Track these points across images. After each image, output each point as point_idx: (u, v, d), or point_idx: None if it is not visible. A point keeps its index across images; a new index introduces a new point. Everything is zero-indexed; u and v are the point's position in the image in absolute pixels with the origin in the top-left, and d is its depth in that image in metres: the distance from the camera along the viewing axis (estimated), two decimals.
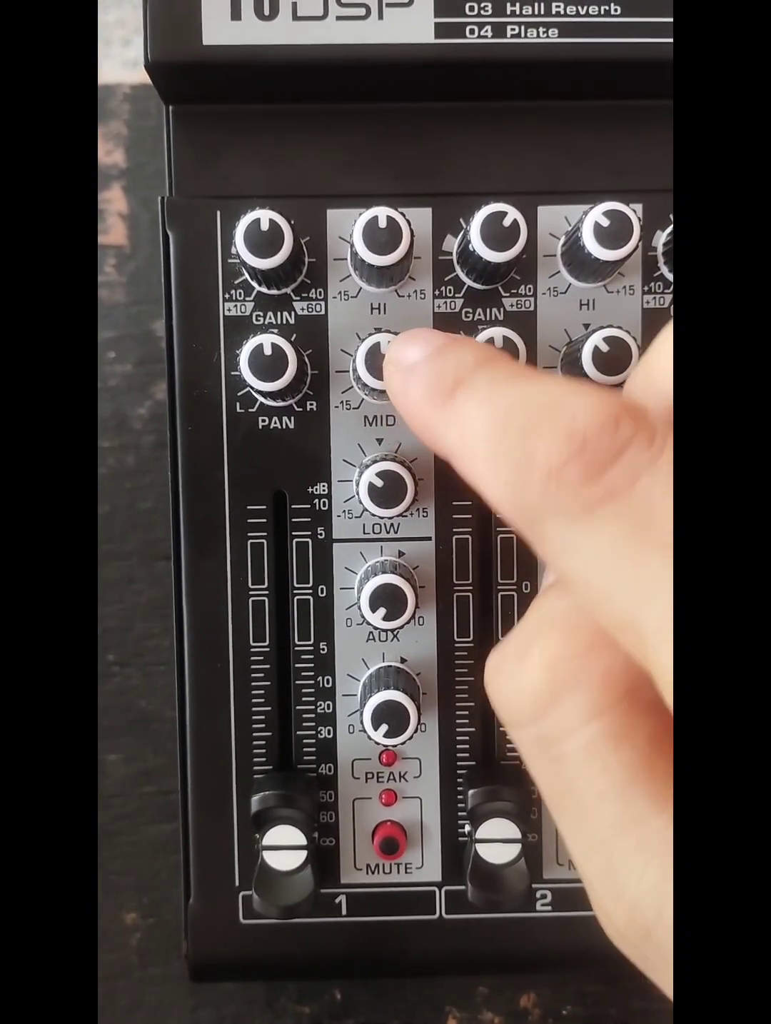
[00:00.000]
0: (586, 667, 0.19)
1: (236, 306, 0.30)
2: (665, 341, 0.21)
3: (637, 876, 0.18)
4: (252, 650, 0.31)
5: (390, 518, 0.30)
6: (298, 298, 0.30)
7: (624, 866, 0.18)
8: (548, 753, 0.20)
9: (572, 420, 0.19)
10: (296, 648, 0.31)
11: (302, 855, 0.30)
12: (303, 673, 0.31)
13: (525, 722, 0.20)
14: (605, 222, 0.27)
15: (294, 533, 0.31)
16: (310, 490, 0.30)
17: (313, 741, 0.31)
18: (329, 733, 0.31)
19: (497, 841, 0.30)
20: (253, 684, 0.31)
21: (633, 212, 0.28)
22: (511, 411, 0.20)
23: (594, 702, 0.19)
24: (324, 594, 0.31)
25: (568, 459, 0.19)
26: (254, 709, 0.31)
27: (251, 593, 0.31)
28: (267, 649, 0.31)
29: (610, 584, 0.18)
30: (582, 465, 0.18)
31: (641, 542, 0.18)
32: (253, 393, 0.30)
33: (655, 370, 0.21)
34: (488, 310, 0.30)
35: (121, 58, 0.41)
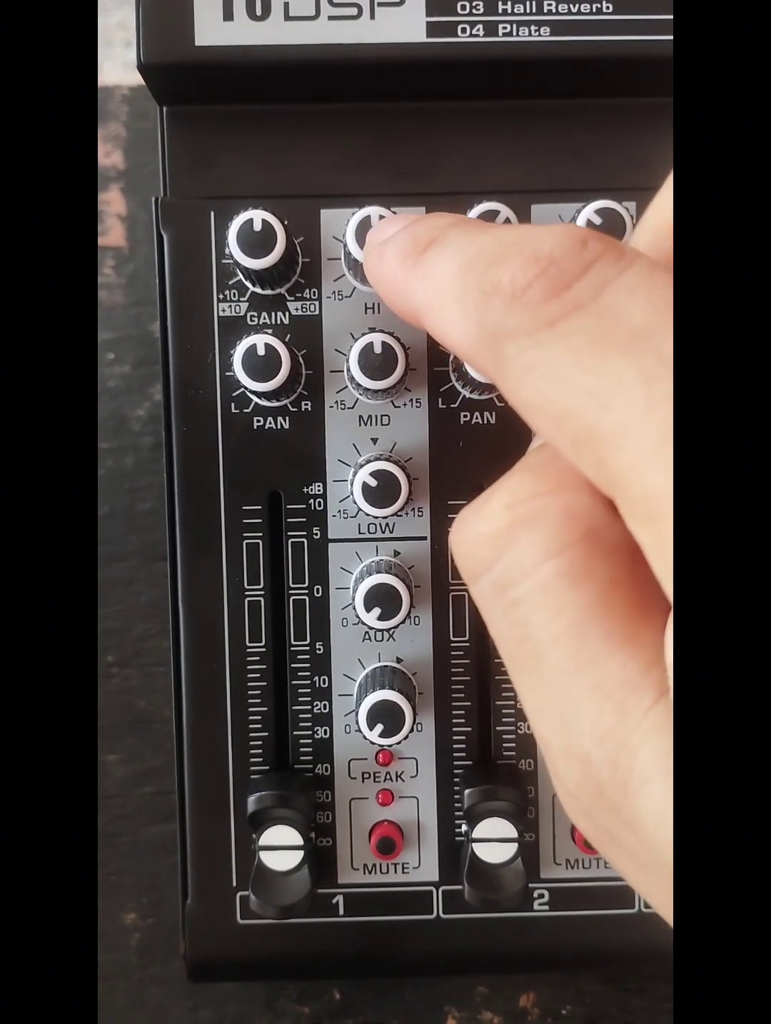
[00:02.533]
0: (546, 505, 0.19)
1: (230, 306, 0.30)
2: (665, 195, 0.21)
3: (591, 722, 0.17)
4: (248, 650, 0.31)
5: (385, 518, 0.30)
6: (292, 298, 0.30)
7: (577, 713, 0.18)
8: (504, 597, 0.19)
9: (538, 246, 0.19)
10: (292, 648, 0.31)
11: (299, 855, 0.30)
12: (299, 673, 0.31)
13: (482, 569, 0.19)
14: (598, 220, 0.27)
15: (289, 533, 0.31)
16: (305, 490, 0.30)
17: (309, 741, 0.31)
18: (325, 733, 0.31)
19: (494, 840, 0.30)
20: (249, 684, 0.31)
21: (626, 210, 0.28)
22: (480, 251, 0.20)
23: (552, 541, 0.18)
24: (320, 594, 0.31)
25: (532, 280, 0.18)
26: (250, 709, 0.31)
27: (247, 593, 0.31)
28: (263, 649, 0.31)
29: (569, 396, 0.17)
30: (546, 283, 0.18)
31: (602, 348, 0.17)
32: (248, 393, 0.30)
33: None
34: None
35: (122, 60, 0.41)
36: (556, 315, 0.18)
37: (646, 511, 0.16)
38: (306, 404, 0.30)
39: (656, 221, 0.21)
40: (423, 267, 0.21)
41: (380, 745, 0.30)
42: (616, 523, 0.18)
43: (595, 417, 0.17)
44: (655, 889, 0.18)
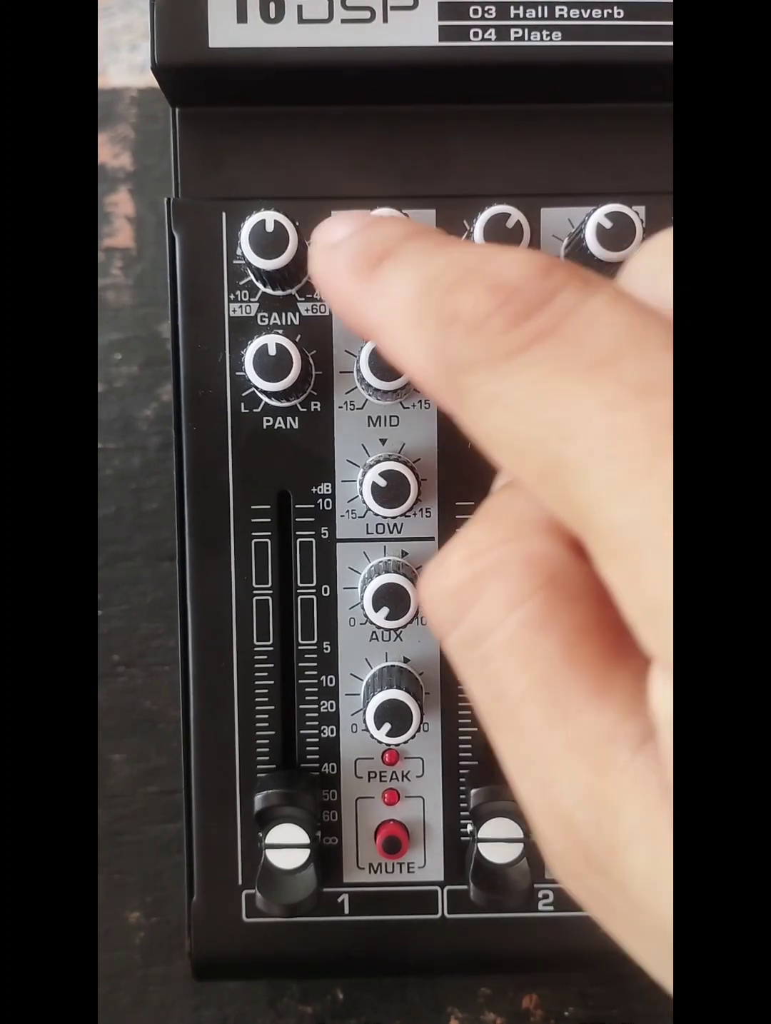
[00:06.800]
0: (506, 555, 0.18)
1: (241, 307, 0.30)
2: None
3: (569, 779, 0.17)
4: (256, 649, 0.31)
5: (393, 518, 0.30)
6: (302, 299, 0.30)
7: (555, 771, 0.17)
8: (475, 654, 0.18)
9: (500, 273, 0.17)
10: (299, 647, 0.31)
11: (305, 854, 0.30)
12: (306, 672, 0.31)
13: (450, 626, 0.18)
14: (608, 224, 0.28)
15: (298, 533, 0.31)
16: (314, 490, 0.31)
17: (316, 740, 0.31)
18: (332, 732, 0.31)
19: (499, 840, 0.30)
20: (257, 683, 0.31)
21: (636, 214, 0.28)
22: (438, 273, 0.18)
23: (514, 590, 0.18)
24: (327, 594, 0.31)
25: (493, 310, 0.17)
26: (257, 708, 0.31)
27: (255, 592, 0.31)
28: (271, 648, 0.31)
29: (531, 429, 0.16)
30: (507, 314, 0.17)
31: (563, 379, 0.16)
32: (257, 393, 0.30)
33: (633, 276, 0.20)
34: None
35: (129, 63, 0.41)
36: (517, 346, 0.17)
37: (612, 545, 0.16)
38: (316, 404, 0.30)
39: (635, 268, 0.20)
40: (377, 284, 0.20)
41: (387, 744, 0.31)
42: (581, 567, 0.18)
43: (557, 450, 0.16)
44: (653, 956, 0.17)
